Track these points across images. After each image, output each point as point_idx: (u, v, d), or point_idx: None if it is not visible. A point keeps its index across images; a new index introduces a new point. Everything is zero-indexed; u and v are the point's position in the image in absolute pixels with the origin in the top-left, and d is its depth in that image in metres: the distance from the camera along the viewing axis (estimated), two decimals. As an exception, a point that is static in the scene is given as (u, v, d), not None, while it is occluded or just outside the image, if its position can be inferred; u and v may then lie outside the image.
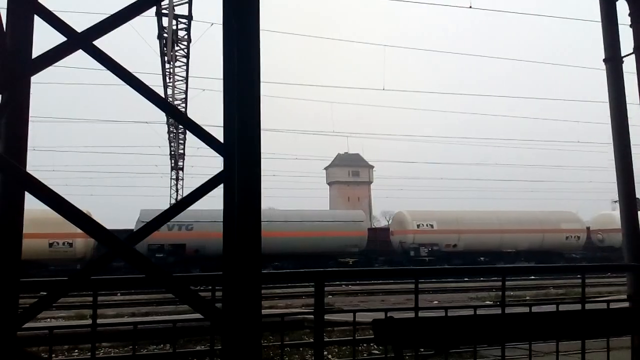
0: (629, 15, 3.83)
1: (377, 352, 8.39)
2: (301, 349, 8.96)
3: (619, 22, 3.96)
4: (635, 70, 3.81)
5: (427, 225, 28.90)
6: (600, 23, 3.90)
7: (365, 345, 8.77)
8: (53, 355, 7.80)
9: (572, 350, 3.84)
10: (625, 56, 3.83)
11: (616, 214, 33.25)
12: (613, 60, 3.81)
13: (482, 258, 29.39)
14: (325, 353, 8.42)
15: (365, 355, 8.24)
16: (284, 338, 3.94)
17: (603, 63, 3.84)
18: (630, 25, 3.81)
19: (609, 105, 3.86)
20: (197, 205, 2.01)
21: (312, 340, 9.27)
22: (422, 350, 2.80)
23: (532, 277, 22.08)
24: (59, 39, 1.83)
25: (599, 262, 29.83)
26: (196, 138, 2.01)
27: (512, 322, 2.48)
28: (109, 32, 1.93)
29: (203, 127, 2.02)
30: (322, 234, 26.70)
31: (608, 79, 3.84)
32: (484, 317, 2.56)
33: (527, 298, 16.90)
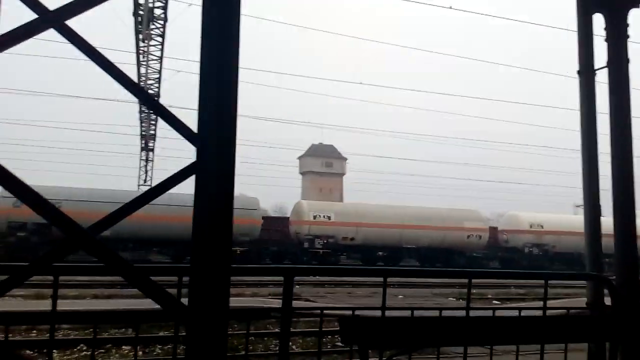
0: (604, 29, 3.92)
1: (340, 344, 8.47)
2: (265, 338, 8.96)
3: (595, 33, 4.05)
4: (607, 82, 3.91)
5: (324, 216, 28.11)
6: (577, 34, 3.98)
7: (329, 337, 8.83)
8: (10, 335, 7.57)
9: (531, 350, 3.95)
10: (598, 69, 3.91)
11: (523, 215, 33.69)
12: (586, 72, 3.90)
13: (380, 253, 28.88)
14: (290, 344, 8.44)
15: (329, 347, 8.30)
16: (249, 327, 3.93)
17: (577, 74, 3.94)
18: (606, 40, 3.90)
19: (580, 115, 3.95)
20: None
21: (277, 330, 9.30)
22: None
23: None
24: (29, 14, 1.74)
25: (501, 262, 30.61)
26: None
27: (476, 326, 2.53)
28: (85, 11, 1.85)
29: (176, 109, 1.96)
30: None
31: (580, 90, 3.93)
32: (450, 320, 2.59)
33: (489, 296, 17.33)
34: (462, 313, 3.02)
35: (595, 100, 3.89)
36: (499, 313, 3.00)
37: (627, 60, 3.92)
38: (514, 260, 30.20)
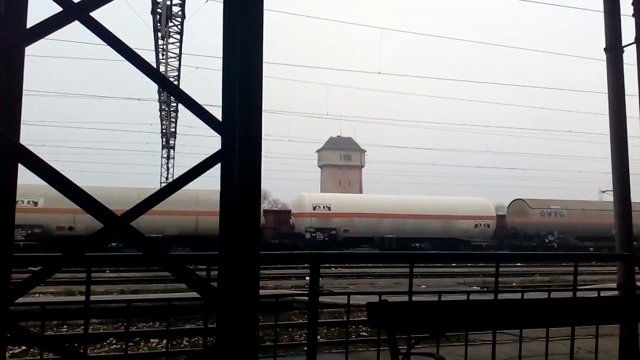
0: (632, 4, 3.81)
1: (365, 334, 8.49)
2: (290, 329, 9.03)
3: (621, 12, 3.93)
4: (635, 62, 3.80)
5: (29, 202, 22.54)
6: (603, 12, 3.87)
7: (353, 327, 8.85)
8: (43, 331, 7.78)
9: (560, 336, 3.90)
10: (626, 46, 3.81)
11: (307, 196, 29.68)
12: (614, 49, 3.79)
13: (113, 244, 23.19)
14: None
15: (353, 337, 8.32)
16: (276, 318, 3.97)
17: (604, 52, 3.83)
18: (633, 15, 3.79)
19: (608, 95, 3.85)
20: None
21: (301, 320, 9.36)
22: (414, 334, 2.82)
23: (519, 264, 22.34)
24: (54, 9, 1.77)
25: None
26: (187, 117, 1.96)
27: (505, 308, 2.50)
28: (107, 3, 1.87)
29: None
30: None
31: (608, 69, 3.83)
32: (478, 303, 2.57)
33: (514, 284, 17.14)
34: (490, 297, 3.00)
35: (623, 78, 3.78)
36: (526, 296, 2.98)
37: (657, 36, 3.80)
38: (298, 248, 26.57)
